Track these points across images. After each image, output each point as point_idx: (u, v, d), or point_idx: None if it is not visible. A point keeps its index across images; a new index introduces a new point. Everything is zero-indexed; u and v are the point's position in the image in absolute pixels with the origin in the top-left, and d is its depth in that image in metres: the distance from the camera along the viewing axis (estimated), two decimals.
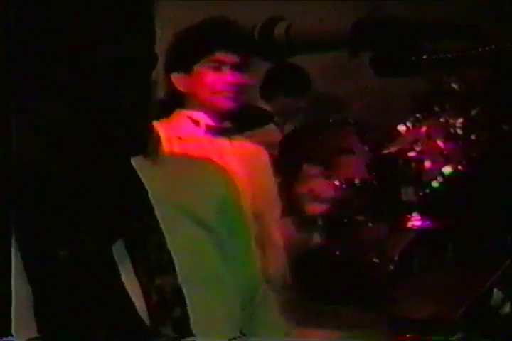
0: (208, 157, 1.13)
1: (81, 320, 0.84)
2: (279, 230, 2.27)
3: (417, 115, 2.74)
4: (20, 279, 0.81)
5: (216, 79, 2.08)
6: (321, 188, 2.45)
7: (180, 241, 0.90)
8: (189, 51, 2.07)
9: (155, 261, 0.88)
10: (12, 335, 0.79)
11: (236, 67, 2.09)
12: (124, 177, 0.90)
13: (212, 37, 2.10)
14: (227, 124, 2.18)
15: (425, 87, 2.84)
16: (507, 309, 0.98)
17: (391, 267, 2.41)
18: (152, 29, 0.89)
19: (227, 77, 2.08)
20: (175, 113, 2.16)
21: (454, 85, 2.54)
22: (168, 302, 0.88)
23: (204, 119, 2.13)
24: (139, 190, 0.90)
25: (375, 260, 2.47)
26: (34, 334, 0.81)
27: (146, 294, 0.87)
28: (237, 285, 0.96)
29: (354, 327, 2.04)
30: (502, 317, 0.99)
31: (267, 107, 3.65)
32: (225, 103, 2.12)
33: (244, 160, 2.17)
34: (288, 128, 3.23)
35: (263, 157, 2.28)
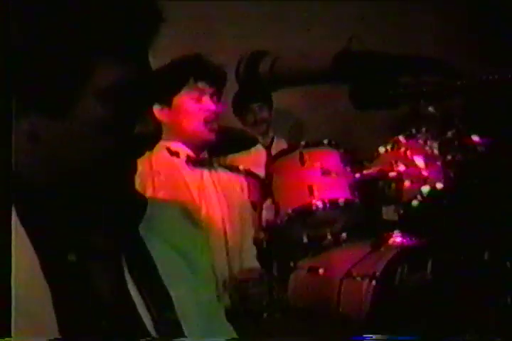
0: (175, 199, 1.27)
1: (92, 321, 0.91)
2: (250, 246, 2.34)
3: (396, 137, 2.82)
4: (21, 279, 0.86)
5: (198, 108, 2.16)
6: None
7: (166, 263, 1.02)
8: (169, 83, 2.13)
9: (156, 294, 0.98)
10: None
11: (213, 97, 2.17)
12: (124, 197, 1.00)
13: (191, 68, 2.17)
14: (204, 155, 2.24)
15: (403, 111, 2.93)
16: None
17: (373, 283, 2.44)
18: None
19: (208, 105, 2.15)
20: (157, 145, 2.22)
21: (430, 109, 2.61)
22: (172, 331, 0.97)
23: (183, 150, 2.18)
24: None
25: (357, 277, 2.52)
26: (34, 334, 0.85)
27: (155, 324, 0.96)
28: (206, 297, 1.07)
29: None
30: None
31: (239, 122, 3.80)
32: (208, 134, 2.19)
33: (222, 189, 2.24)
34: (275, 150, 3.30)
35: (239, 185, 2.37)
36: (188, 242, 1.07)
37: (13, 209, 0.88)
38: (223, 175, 2.32)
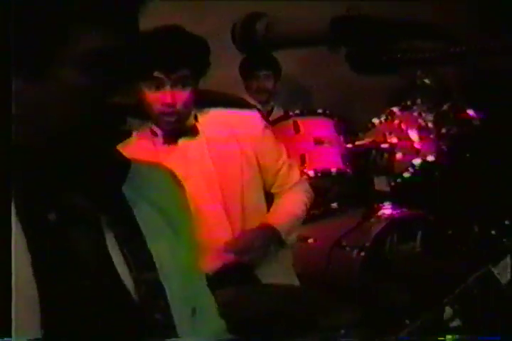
0: (159, 162, 1.20)
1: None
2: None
3: (391, 108, 2.82)
4: (21, 279, 0.84)
5: (155, 100, 1.97)
6: None
7: (149, 224, 1.01)
8: (132, 66, 1.92)
9: (139, 257, 0.97)
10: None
11: (177, 85, 1.98)
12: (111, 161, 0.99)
13: (152, 56, 1.93)
14: (187, 125, 2.07)
15: (399, 82, 2.93)
16: (456, 323, 1.13)
17: (362, 253, 2.47)
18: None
19: (166, 98, 1.97)
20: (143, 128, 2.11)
21: (426, 81, 2.60)
22: (153, 292, 0.96)
23: (160, 131, 2.06)
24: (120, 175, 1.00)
25: (347, 247, 2.53)
26: (34, 334, 0.84)
27: (136, 285, 0.95)
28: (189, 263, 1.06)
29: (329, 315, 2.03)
30: (452, 329, 1.13)
31: (244, 85, 3.78)
32: (166, 127, 2.04)
33: (216, 150, 2.09)
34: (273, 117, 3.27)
35: (246, 132, 2.13)
36: (171, 204, 1.07)
37: None
38: (218, 133, 2.14)
